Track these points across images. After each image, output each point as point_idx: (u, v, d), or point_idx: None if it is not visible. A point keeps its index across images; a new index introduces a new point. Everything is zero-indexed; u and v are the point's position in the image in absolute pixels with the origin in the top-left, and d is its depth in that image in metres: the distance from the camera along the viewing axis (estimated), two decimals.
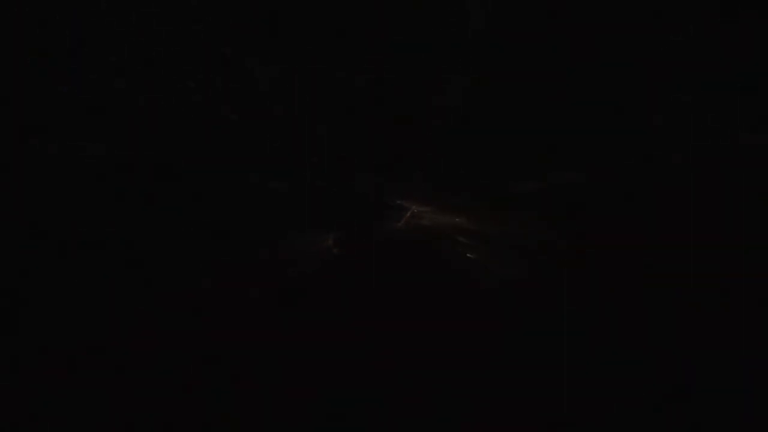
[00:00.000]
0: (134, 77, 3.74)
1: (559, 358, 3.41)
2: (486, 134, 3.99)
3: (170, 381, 3.25)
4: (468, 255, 3.96)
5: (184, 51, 3.75)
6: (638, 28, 3.64)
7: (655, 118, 3.77)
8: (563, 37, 3.70)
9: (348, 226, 4.00)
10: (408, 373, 3.31)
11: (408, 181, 4.06)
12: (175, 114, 3.84)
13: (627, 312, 3.54)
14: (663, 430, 3.13)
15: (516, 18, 3.75)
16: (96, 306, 3.49)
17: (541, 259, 3.83)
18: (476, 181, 4.05)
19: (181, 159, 3.85)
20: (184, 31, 3.71)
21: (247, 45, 3.77)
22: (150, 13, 3.67)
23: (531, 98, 3.92)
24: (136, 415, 3.11)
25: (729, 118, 3.66)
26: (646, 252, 3.70)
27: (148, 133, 3.85)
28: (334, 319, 3.58)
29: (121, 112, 3.78)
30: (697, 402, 3.12)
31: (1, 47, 3.59)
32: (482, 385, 3.26)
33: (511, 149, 4.01)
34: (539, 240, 3.89)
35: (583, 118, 3.87)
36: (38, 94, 3.68)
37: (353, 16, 3.82)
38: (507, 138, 3.98)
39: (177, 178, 3.85)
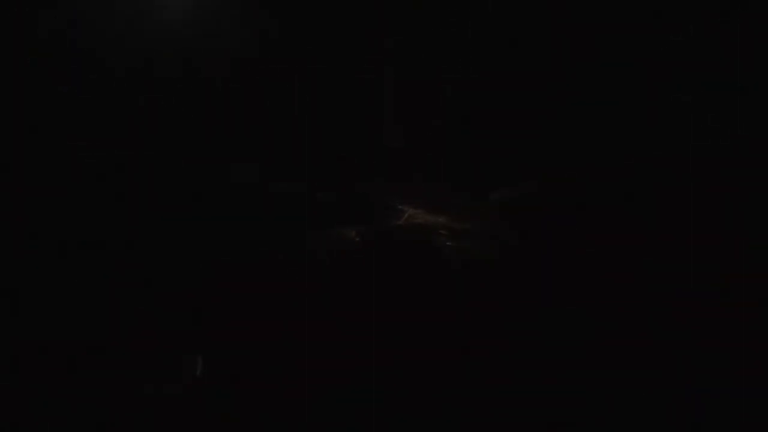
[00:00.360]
0: (134, 77, 3.74)
1: (558, 357, 3.41)
2: (486, 134, 3.99)
3: (170, 381, 3.25)
4: (468, 254, 3.96)
5: (184, 51, 3.75)
6: (638, 28, 3.64)
7: (655, 118, 3.78)
8: (563, 37, 3.70)
9: (349, 226, 4.01)
10: (409, 372, 3.31)
11: (408, 181, 4.06)
12: (174, 114, 3.84)
13: (626, 312, 3.54)
14: (663, 430, 3.13)
15: (516, 18, 3.75)
16: (96, 306, 3.49)
17: (541, 259, 3.82)
18: (476, 181, 4.05)
19: (181, 159, 3.85)
20: (183, 30, 3.71)
21: (247, 45, 3.78)
22: (150, 13, 3.67)
23: (530, 98, 3.92)
24: (136, 415, 3.11)
25: (729, 118, 3.66)
26: (645, 252, 3.70)
27: (148, 133, 3.85)
28: (334, 318, 3.58)
29: (121, 112, 3.78)
30: (697, 402, 3.12)
31: (1, 47, 3.60)
32: (483, 384, 3.26)
33: (510, 149, 4.02)
34: (539, 239, 3.89)
35: (583, 118, 3.87)
36: (38, 94, 3.68)
37: (353, 16, 3.83)
38: (506, 138, 3.98)
39: (177, 178, 3.85)
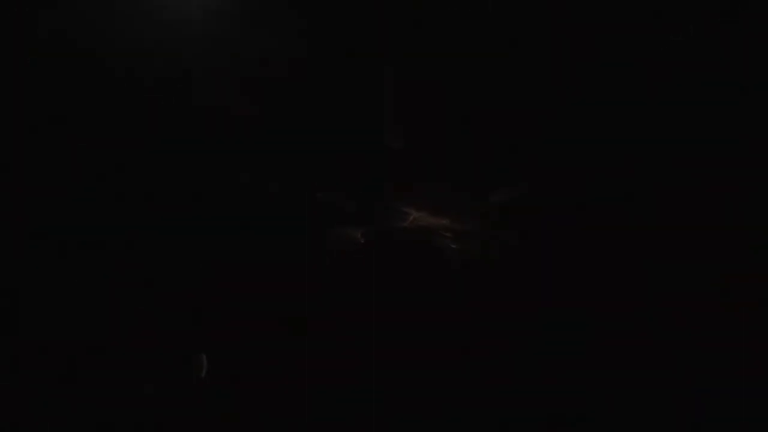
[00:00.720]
0: (134, 76, 3.74)
1: (558, 357, 3.41)
2: (486, 134, 4.00)
3: (170, 381, 3.26)
4: (469, 255, 3.96)
5: (184, 50, 3.75)
6: (638, 28, 3.64)
7: (653, 118, 3.77)
8: (563, 37, 3.70)
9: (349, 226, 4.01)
10: (409, 372, 3.31)
11: (410, 181, 4.06)
12: (175, 114, 3.84)
13: (626, 312, 3.54)
14: (663, 430, 3.13)
15: (516, 18, 3.75)
16: (96, 306, 3.49)
17: (541, 259, 3.83)
18: (476, 181, 4.05)
19: (181, 159, 3.85)
20: (183, 30, 3.71)
21: (246, 45, 3.78)
22: (150, 13, 3.67)
23: (530, 98, 3.92)
24: (136, 415, 3.11)
25: (727, 119, 3.66)
26: (645, 252, 3.70)
27: (149, 133, 3.84)
28: (334, 318, 3.58)
29: (121, 112, 3.78)
30: (697, 402, 3.12)
31: (0, 47, 3.60)
32: (483, 384, 3.26)
33: (510, 149, 4.02)
34: (539, 239, 3.89)
35: (583, 118, 3.87)
36: (38, 94, 3.68)
37: (352, 14, 3.83)
38: (506, 138, 3.98)
39: (177, 178, 3.85)
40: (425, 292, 3.76)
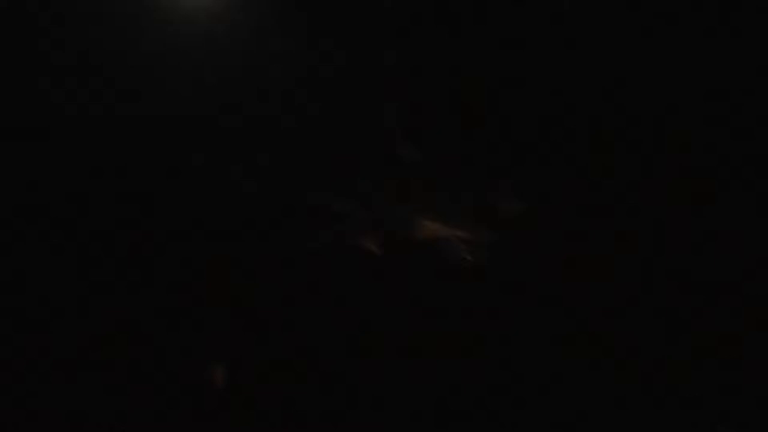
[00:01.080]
0: (134, 78, 3.75)
1: (559, 357, 3.42)
2: (487, 134, 4.00)
3: (170, 381, 3.26)
4: (470, 257, 3.96)
5: (183, 50, 3.75)
6: (638, 28, 3.65)
7: (653, 118, 3.79)
8: (563, 37, 3.71)
9: (350, 226, 4.00)
10: (409, 372, 3.31)
11: (418, 187, 4.06)
12: (175, 114, 3.84)
13: (626, 312, 3.55)
14: (662, 429, 3.14)
15: (515, 18, 3.76)
16: (96, 306, 3.49)
17: (544, 260, 3.83)
18: (478, 183, 4.05)
19: (182, 158, 3.86)
20: (183, 31, 3.72)
21: (246, 45, 3.78)
22: (150, 13, 3.68)
23: (531, 98, 3.92)
24: (136, 415, 3.12)
25: (728, 118, 3.67)
26: (646, 252, 3.70)
27: (149, 133, 3.85)
28: (335, 320, 3.59)
29: (121, 112, 3.78)
30: (695, 402, 3.13)
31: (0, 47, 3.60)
32: (483, 384, 3.27)
33: (511, 149, 4.02)
34: (542, 240, 3.90)
35: (583, 118, 3.88)
36: (38, 94, 3.69)
37: (350, 15, 3.84)
38: (507, 137, 3.99)
39: (177, 178, 3.85)
40: (426, 293, 3.77)
